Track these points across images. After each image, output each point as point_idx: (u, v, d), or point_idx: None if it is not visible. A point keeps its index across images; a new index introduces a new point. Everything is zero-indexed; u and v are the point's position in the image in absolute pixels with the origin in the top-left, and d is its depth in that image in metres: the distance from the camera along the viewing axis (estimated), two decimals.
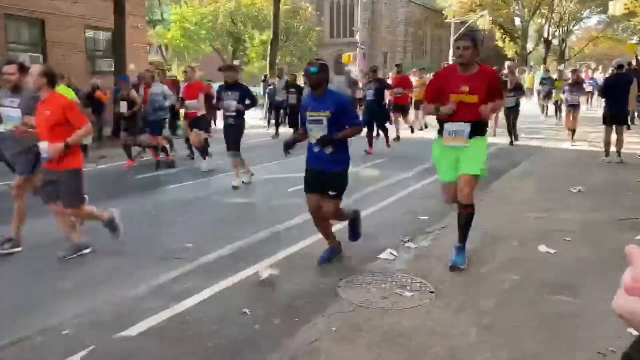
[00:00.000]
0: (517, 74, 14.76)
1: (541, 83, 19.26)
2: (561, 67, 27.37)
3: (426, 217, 6.15)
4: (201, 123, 9.68)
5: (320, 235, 4.97)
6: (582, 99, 17.47)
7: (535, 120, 17.92)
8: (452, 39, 40.02)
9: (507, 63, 18.14)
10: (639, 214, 5.96)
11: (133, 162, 10.33)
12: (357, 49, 38.42)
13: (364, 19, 48.34)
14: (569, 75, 15.67)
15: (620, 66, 10.20)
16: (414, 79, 15.01)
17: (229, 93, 7.77)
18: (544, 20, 50.79)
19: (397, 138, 12.48)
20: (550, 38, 52.25)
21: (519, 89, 12.92)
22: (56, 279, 4.47)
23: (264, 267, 4.55)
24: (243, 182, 8.24)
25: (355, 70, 29.46)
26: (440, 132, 4.51)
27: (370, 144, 11.30)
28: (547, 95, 18.46)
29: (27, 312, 3.84)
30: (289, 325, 3.54)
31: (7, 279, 4.58)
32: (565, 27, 53.72)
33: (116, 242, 5.18)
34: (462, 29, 39.51)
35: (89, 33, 16.91)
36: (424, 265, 4.62)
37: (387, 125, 12.00)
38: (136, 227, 5.75)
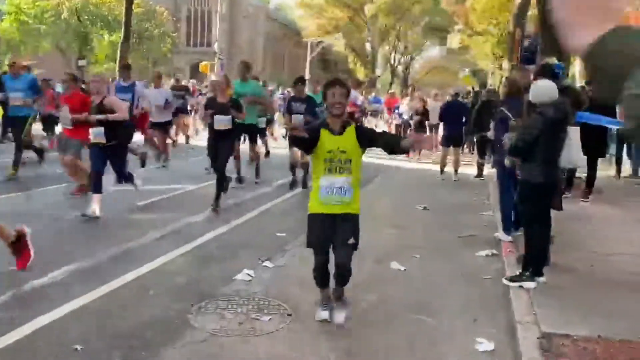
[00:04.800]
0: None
1: None
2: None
3: (284, 234, 6.04)
4: None
5: (174, 254, 5.04)
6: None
7: None
8: (309, 57, 41.37)
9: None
10: (477, 231, 6.49)
11: None
12: (216, 59, 37.76)
13: (222, 30, 47.82)
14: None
15: (456, 94, 11.23)
16: None
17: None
18: (391, 48, 54.93)
19: (267, 153, 12.17)
20: (395, 65, 56.58)
21: None
22: None
23: None
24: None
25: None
26: None
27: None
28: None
29: None
30: None
31: None
32: (409, 56, 58.63)
33: None
34: (318, 49, 41.06)
35: None
36: (282, 285, 4.48)
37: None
38: None
